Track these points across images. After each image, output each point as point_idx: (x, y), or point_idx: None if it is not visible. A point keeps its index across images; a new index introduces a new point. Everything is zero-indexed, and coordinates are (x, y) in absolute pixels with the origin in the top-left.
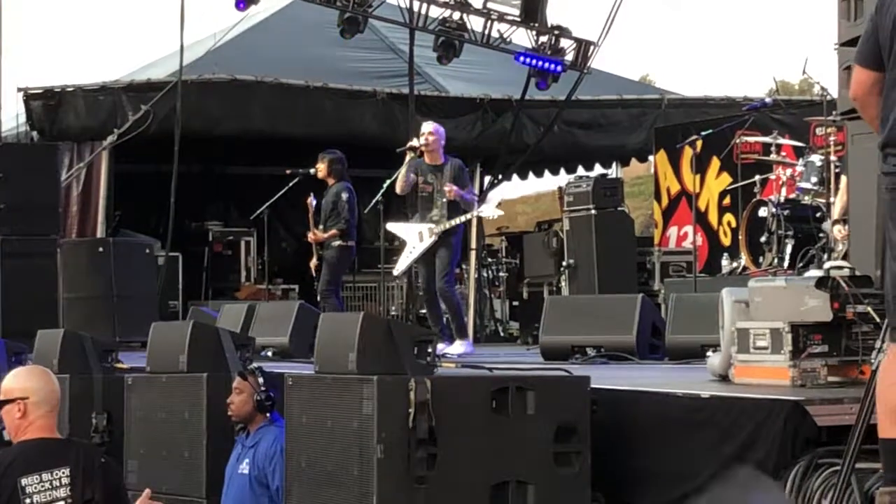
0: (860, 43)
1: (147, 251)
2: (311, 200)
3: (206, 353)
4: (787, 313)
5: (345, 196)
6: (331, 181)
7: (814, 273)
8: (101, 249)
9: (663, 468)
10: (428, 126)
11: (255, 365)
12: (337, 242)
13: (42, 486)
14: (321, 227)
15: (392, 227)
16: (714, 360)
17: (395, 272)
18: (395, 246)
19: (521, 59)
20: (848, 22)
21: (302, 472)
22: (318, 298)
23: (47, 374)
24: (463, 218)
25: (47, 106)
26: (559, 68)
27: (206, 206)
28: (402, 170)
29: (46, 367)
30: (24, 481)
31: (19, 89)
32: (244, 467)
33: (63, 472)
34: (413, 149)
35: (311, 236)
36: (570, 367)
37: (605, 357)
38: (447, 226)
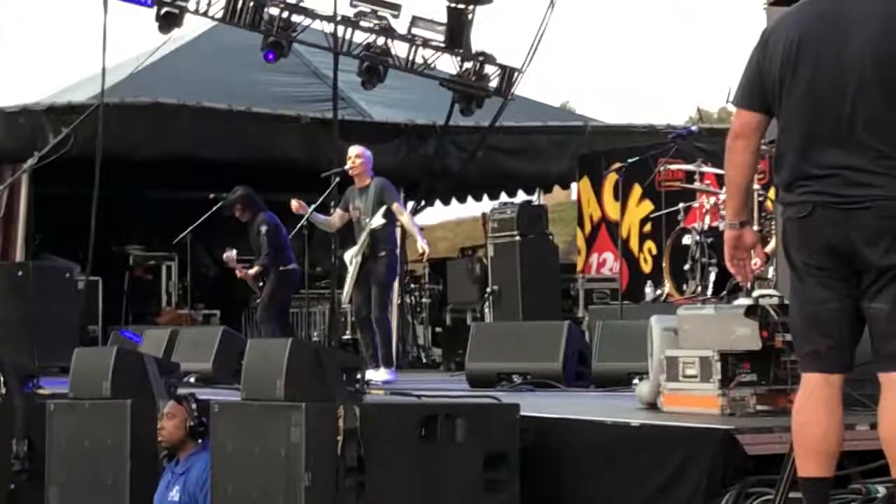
0: (741, 83)
1: (67, 275)
2: (230, 254)
3: (131, 379)
4: (716, 341)
5: (263, 229)
6: (248, 217)
7: (743, 301)
8: (20, 273)
9: (593, 497)
10: (353, 150)
11: (187, 391)
12: (280, 268)
13: None
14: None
15: (345, 254)
16: (643, 388)
17: (343, 300)
18: (316, 272)
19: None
20: None
21: (228, 501)
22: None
23: None
24: (363, 237)
25: None
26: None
27: (127, 230)
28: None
29: None
30: None
31: None
32: (174, 494)
33: None
34: (337, 174)
35: (239, 274)
36: (499, 394)
37: (532, 384)
38: (361, 245)
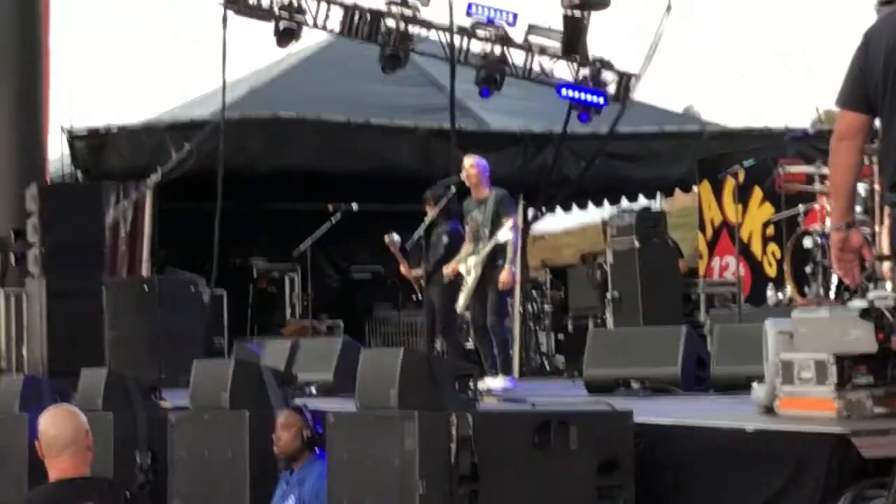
0: (844, 84)
1: (192, 289)
2: (394, 238)
3: (249, 391)
4: (831, 344)
5: (445, 238)
6: (438, 218)
7: (858, 303)
8: (145, 288)
9: (708, 502)
10: (467, 160)
11: (299, 402)
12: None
13: None
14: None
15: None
16: (759, 391)
17: (458, 309)
18: None
19: (564, 90)
20: None
21: None
22: (441, 336)
23: (61, 414)
24: (488, 248)
25: (91, 146)
26: (602, 100)
27: (250, 242)
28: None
29: (81, 407)
30: None
31: (64, 130)
32: None
33: None
34: (454, 184)
35: (402, 270)
36: (614, 400)
37: (650, 390)
38: (482, 255)
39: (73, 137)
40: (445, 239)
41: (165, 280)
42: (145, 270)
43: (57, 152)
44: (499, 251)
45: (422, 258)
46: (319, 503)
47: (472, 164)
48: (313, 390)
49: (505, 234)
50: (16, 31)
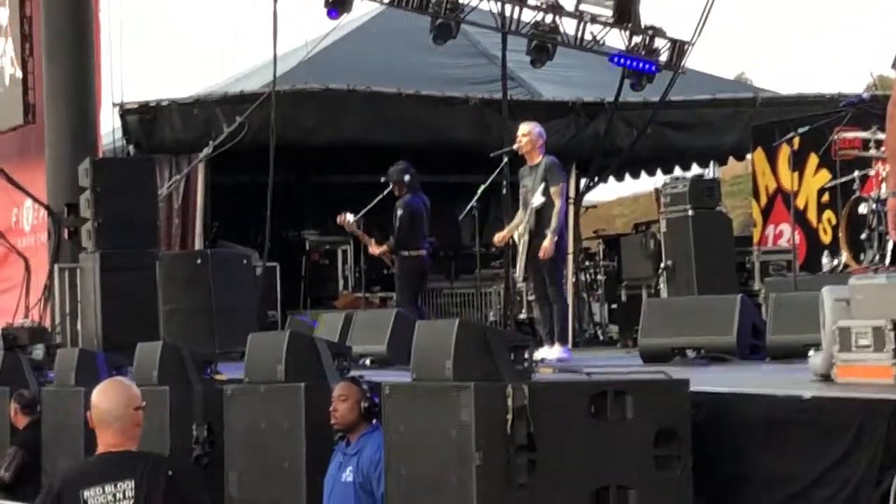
0: None
1: (245, 262)
2: (347, 217)
3: (304, 363)
4: (889, 310)
5: (398, 212)
6: (399, 195)
7: None
8: (199, 261)
9: (766, 471)
10: (522, 127)
11: (356, 373)
12: (402, 253)
13: (105, 499)
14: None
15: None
16: (816, 359)
17: (517, 277)
18: (490, 252)
19: (616, 60)
20: None
21: (401, 481)
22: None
23: (113, 388)
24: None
25: (143, 120)
26: (653, 68)
27: (302, 215)
28: None
29: (137, 381)
30: (86, 493)
31: (115, 104)
32: (348, 475)
33: (128, 485)
34: (506, 154)
35: (371, 250)
36: (670, 369)
37: (706, 358)
38: (529, 225)
39: (124, 112)
40: (399, 212)
41: (218, 253)
42: (198, 244)
43: (109, 127)
44: (545, 219)
45: (473, 231)
46: (378, 474)
47: (523, 133)
48: (367, 362)
49: (538, 199)
50: (67, 5)
